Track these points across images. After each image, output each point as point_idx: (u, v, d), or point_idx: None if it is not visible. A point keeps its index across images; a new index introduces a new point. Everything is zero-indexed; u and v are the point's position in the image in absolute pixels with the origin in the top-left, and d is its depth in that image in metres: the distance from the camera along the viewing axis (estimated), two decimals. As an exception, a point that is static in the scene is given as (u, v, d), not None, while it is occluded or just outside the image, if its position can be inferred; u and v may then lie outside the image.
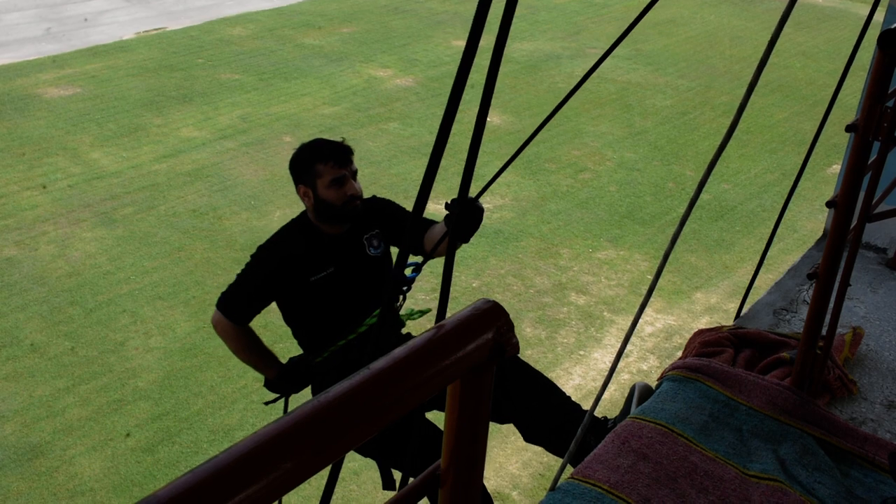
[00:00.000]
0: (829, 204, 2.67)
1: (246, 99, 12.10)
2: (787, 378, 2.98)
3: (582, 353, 7.18)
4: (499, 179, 11.33)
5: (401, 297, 3.12)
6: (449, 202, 2.65)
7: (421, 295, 7.60)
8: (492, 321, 1.03)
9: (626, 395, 6.63)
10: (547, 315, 7.62)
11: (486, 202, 9.47)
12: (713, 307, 7.89)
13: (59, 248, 8.44)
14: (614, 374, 7.14)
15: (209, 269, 8.17)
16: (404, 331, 3.41)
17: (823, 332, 2.87)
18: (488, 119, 11.63)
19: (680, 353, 7.13)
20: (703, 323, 7.64)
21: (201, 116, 11.48)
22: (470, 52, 1.21)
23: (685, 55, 14.24)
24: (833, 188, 9.69)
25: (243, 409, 6.48)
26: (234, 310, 3.09)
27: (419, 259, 3.06)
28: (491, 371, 1.04)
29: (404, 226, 3.23)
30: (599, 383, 6.81)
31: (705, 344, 3.36)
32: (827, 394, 3.08)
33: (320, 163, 3.05)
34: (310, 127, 11.23)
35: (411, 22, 15.75)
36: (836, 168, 10.45)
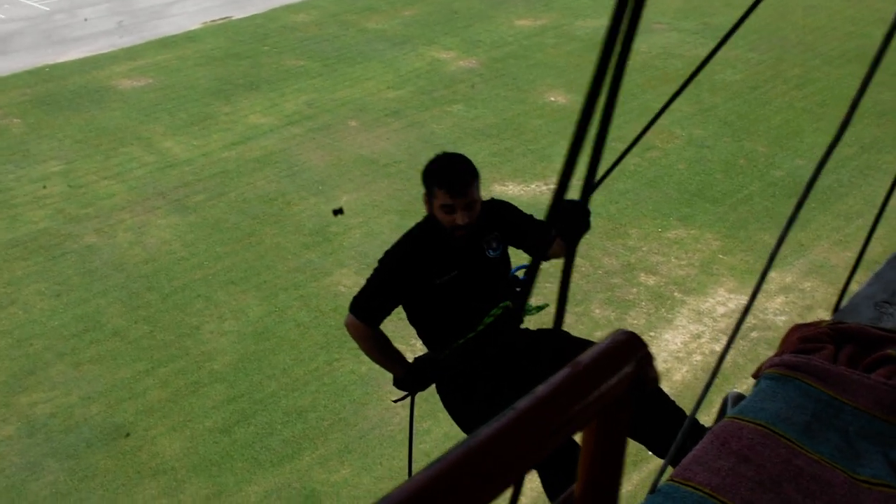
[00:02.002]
0: None
1: (311, 85, 12.23)
2: (895, 377, 2.87)
3: (652, 334, 7.09)
4: (564, 160, 11.07)
5: (530, 305, 3.25)
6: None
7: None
8: (631, 354, 1.00)
9: (696, 376, 6.53)
10: (616, 296, 7.55)
11: (552, 183, 9.41)
12: (788, 286, 7.70)
13: (136, 235, 8.69)
14: (688, 356, 7.01)
15: (279, 253, 8.32)
16: (523, 326, 3.48)
17: None
18: (552, 98, 11.53)
19: (755, 335, 7.00)
20: (778, 303, 7.47)
21: (268, 103, 11.66)
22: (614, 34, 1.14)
23: (756, 27, 13.84)
24: (914, 161, 9.37)
25: (315, 391, 6.60)
26: (367, 312, 3.26)
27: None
28: (629, 404, 1.02)
29: (523, 228, 3.33)
30: (671, 365, 6.73)
31: (803, 340, 3.21)
32: None
33: (437, 186, 3.17)
34: (374, 111, 11.30)
35: (473, 2, 15.67)
36: (918, 140, 10.06)
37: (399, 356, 3.32)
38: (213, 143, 10.61)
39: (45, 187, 9.63)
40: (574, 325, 7.04)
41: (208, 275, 8.04)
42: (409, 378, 3.28)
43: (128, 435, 6.03)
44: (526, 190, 9.30)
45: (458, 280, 3.18)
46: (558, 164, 11.03)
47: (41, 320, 7.47)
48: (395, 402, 3.54)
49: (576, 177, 1.15)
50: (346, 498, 5.76)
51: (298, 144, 10.51)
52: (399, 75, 12.51)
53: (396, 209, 8.90)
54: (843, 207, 8.82)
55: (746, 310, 2.41)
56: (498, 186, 9.36)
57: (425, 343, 3.39)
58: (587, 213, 2.86)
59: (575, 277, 7.76)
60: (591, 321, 7.19)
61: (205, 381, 6.76)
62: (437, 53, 13.28)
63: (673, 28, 13.86)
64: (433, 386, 3.39)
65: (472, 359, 3.20)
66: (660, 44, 13.26)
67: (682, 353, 6.87)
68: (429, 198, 3.21)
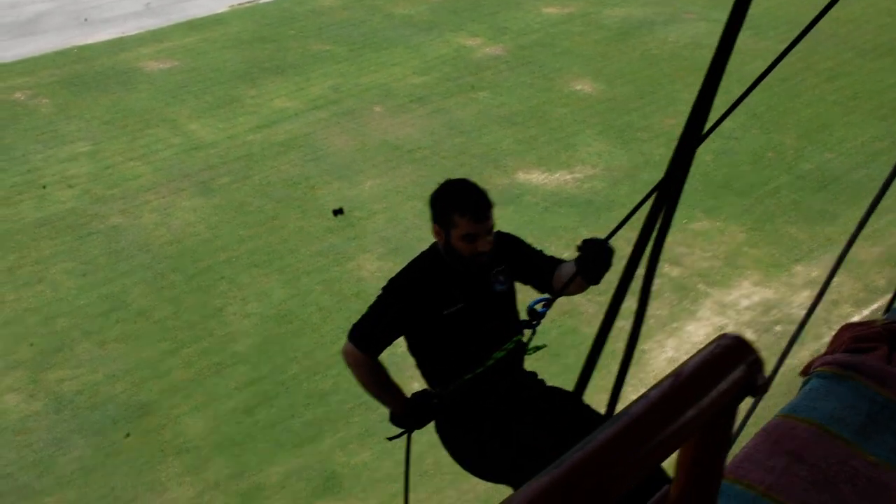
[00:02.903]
0: None
1: (337, 69, 12.24)
2: None
3: (675, 325, 7.07)
4: (589, 149, 11.05)
5: (531, 332, 3.16)
6: (581, 244, 2.73)
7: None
8: (739, 358, 0.96)
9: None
10: (639, 286, 7.51)
11: (576, 172, 9.38)
12: (814, 281, 7.63)
13: (161, 217, 8.77)
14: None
15: (302, 237, 8.37)
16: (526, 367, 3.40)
17: None
18: (578, 87, 11.47)
19: (779, 328, 6.95)
20: (804, 297, 7.41)
21: (293, 87, 11.69)
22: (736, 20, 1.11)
23: (787, 17, 13.66)
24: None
25: (337, 374, 6.65)
26: (366, 341, 3.10)
27: (548, 295, 3.11)
28: (735, 411, 0.99)
29: (531, 263, 3.24)
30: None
31: (857, 339, 3.14)
32: None
33: (457, 215, 2.98)
34: (400, 97, 11.30)
35: (502, -11, 15.58)
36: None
37: (397, 390, 3.16)
38: (238, 126, 10.66)
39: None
40: (596, 315, 7.02)
41: (232, 257, 8.10)
42: (408, 414, 3.13)
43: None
44: (550, 179, 9.27)
45: (465, 313, 3.08)
46: (583, 152, 11.04)
47: (68, 299, 7.57)
48: (391, 439, 3.37)
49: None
50: (366, 481, 5.81)
51: (323, 129, 10.53)
52: (425, 61, 12.49)
53: (420, 195, 8.90)
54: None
55: (819, 297, 2.38)
56: (522, 175, 9.34)
57: (425, 376, 3.27)
58: (611, 253, 2.83)
59: (598, 267, 7.73)
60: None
61: (228, 363, 6.83)
62: (464, 40, 13.24)
63: (702, 18, 13.71)
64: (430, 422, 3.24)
65: (479, 395, 3.10)
66: (689, 34, 13.13)
67: (704, 345, 6.84)
68: (444, 228, 3.02)
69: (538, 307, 3.12)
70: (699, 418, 0.92)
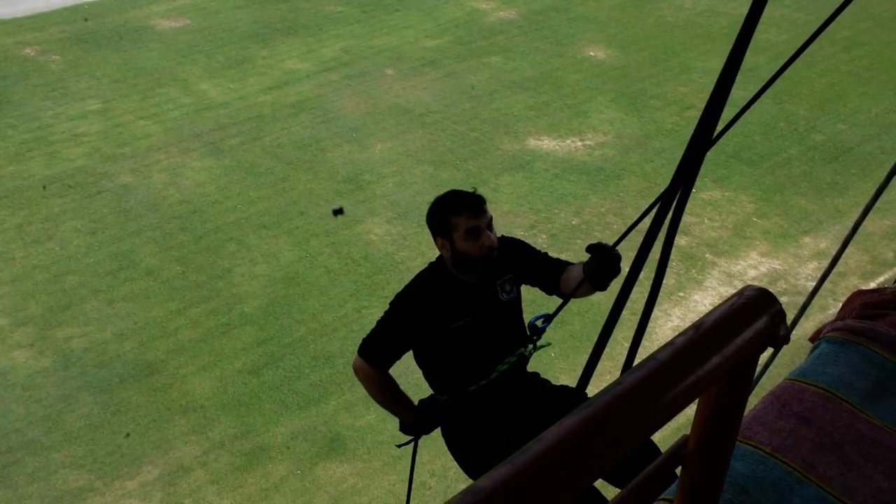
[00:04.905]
0: None
1: (349, 31, 12.14)
2: None
3: (682, 294, 7.07)
4: (601, 116, 10.97)
5: (531, 346, 3.17)
6: (589, 248, 2.76)
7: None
8: (763, 309, 0.97)
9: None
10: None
11: (587, 139, 9.32)
12: (822, 252, 7.60)
13: (171, 177, 8.77)
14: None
15: (312, 199, 8.36)
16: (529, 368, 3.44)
17: None
18: (592, 53, 11.35)
19: (785, 299, 6.93)
20: (811, 269, 7.39)
21: (305, 48, 11.61)
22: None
23: (805, -14, 13.46)
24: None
25: (343, 337, 6.68)
26: (376, 356, 3.15)
27: (550, 310, 3.13)
28: (756, 362, 1.00)
29: (538, 266, 3.23)
30: (698, 326, 6.70)
31: (867, 306, 3.15)
32: None
33: (454, 215, 3.01)
34: (412, 60, 11.21)
35: (516, -48, 15.38)
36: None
37: (407, 401, 3.23)
38: (249, 86, 10.61)
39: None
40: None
41: (241, 218, 8.11)
42: (417, 421, 3.20)
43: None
44: (561, 145, 9.22)
45: (472, 325, 3.10)
46: (595, 119, 10.94)
47: (77, 257, 7.61)
48: (400, 447, 3.43)
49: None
50: (370, 443, 5.86)
51: (334, 91, 10.48)
52: (438, 24, 12.37)
53: (430, 159, 8.88)
54: (883, 174, 8.66)
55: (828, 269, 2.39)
56: (533, 140, 9.29)
57: (431, 384, 3.30)
58: (618, 259, 2.84)
59: (606, 234, 7.72)
60: (619, 278, 7.16)
61: (235, 323, 6.87)
62: (477, 3, 13.10)
63: (719, -16, 13.52)
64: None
65: (483, 402, 3.14)
66: (705, 1, 12.96)
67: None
68: (446, 235, 3.03)
69: (539, 322, 3.14)
70: (723, 366, 0.94)
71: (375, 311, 6.84)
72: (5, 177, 8.78)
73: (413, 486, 3.65)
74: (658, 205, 1.31)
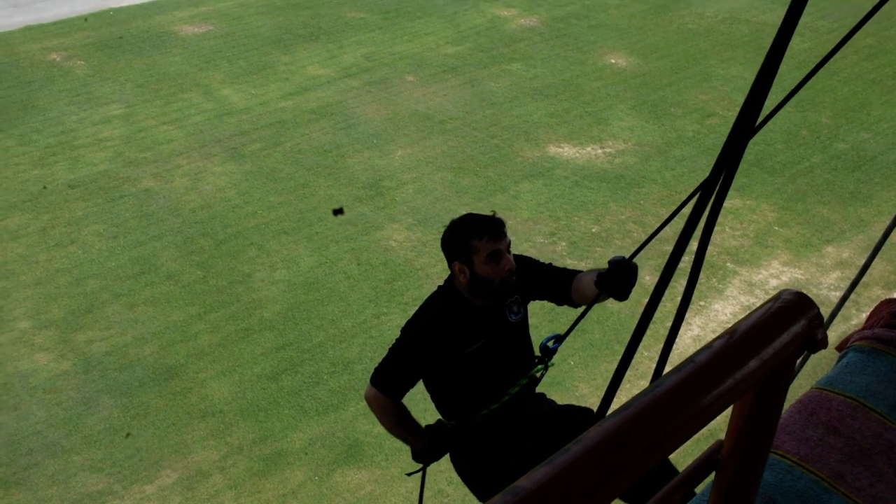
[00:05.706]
0: None
1: (370, 37, 12.19)
2: None
3: (702, 303, 7.02)
4: (622, 123, 10.93)
5: (542, 367, 3.16)
6: (611, 260, 2.76)
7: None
8: (801, 313, 0.97)
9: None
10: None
11: (608, 147, 9.29)
12: (845, 262, 7.53)
13: (192, 181, 8.83)
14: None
15: (332, 205, 8.38)
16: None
17: None
18: (613, 61, 11.32)
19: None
20: (833, 278, 7.32)
21: (326, 55, 11.66)
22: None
23: (829, -7, 13.37)
24: None
25: (362, 343, 6.69)
26: (389, 385, 3.10)
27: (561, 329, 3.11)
28: (793, 367, 1.00)
29: (547, 279, 3.19)
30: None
31: (895, 315, 3.13)
32: None
33: (476, 238, 2.95)
34: (432, 66, 11.23)
35: (537, -41, 15.38)
36: None
37: (418, 428, 3.18)
38: (270, 92, 10.67)
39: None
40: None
41: (261, 223, 8.15)
42: (427, 448, 3.16)
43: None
44: (581, 153, 9.20)
45: (485, 349, 3.07)
46: (615, 127, 10.92)
47: (99, 260, 7.67)
48: (409, 475, 3.44)
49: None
50: (388, 450, 5.86)
51: (355, 97, 10.51)
52: (458, 31, 12.39)
53: (450, 166, 8.89)
54: (908, 184, 8.57)
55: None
56: (553, 148, 9.27)
57: (440, 409, 3.27)
58: (635, 270, 2.82)
59: (626, 242, 7.69)
60: (639, 287, 7.12)
61: (255, 328, 6.89)
62: (498, 10, 13.11)
63: (741, -9, 13.45)
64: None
65: (493, 426, 3.11)
66: (726, 8, 12.89)
67: (731, 324, 6.80)
68: (466, 259, 2.98)
69: (550, 344, 3.12)
70: (760, 370, 0.94)
71: (394, 318, 6.86)
72: (29, 181, 8.88)
73: (429, 494, 3.65)
74: (698, 193, 1.29)
